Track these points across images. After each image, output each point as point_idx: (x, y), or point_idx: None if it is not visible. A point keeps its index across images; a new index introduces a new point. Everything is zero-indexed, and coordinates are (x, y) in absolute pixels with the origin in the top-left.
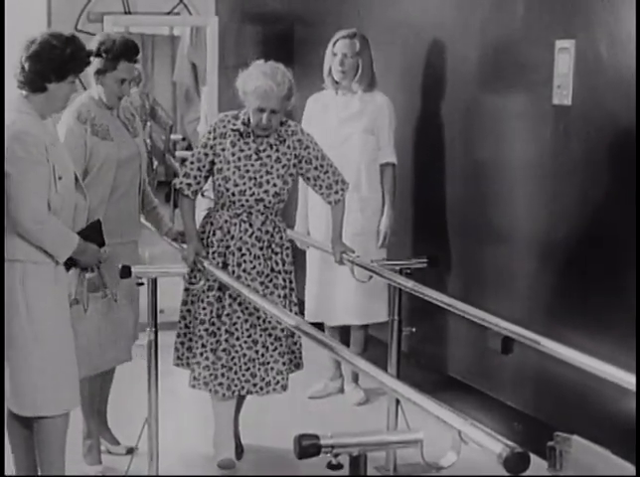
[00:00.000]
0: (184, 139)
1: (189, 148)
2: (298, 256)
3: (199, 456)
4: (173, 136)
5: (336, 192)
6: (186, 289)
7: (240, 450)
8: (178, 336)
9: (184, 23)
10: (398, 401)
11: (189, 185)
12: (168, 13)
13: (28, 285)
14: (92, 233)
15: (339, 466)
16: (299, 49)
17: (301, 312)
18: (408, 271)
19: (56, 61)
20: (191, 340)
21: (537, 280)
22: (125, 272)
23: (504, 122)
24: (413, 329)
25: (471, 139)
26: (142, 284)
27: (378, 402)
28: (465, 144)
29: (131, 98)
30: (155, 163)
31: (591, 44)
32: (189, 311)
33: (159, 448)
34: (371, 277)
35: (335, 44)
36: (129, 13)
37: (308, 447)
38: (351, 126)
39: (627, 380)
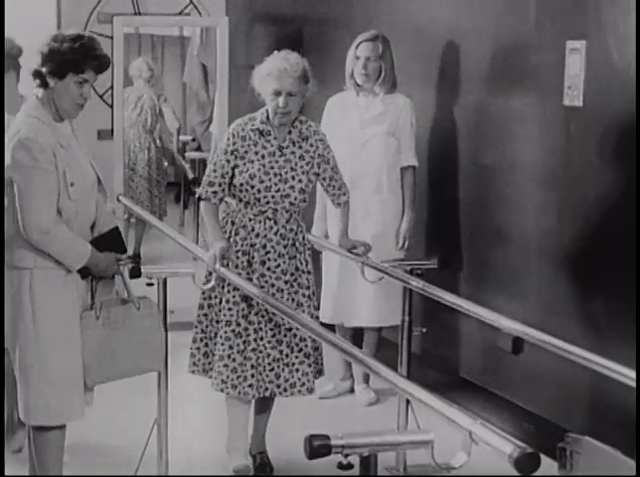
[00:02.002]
0: (194, 140)
1: (199, 149)
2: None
3: (208, 456)
4: (183, 137)
5: (344, 194)
6: (203, 292)
7: (269, 470)
8: (194, 341)
9: (194, 24)
10: (408, 402)
11: (215, 193)
12: (178, 14)
13: (36, 292)
14: (110, 240)
15: (349, 466)
16: (309, 49)
17: None
18: (419, 272)
19: (53, 55)
20: (207, 345)
21: (548, 281)
22: (135, 273)
23: (515, 124)
24: (424, 329)
25: (482, 141)
26: (152, 285)
27: (388, 403)
28: (476, 146)
29: (142, 99)
30: (165, 164)
31: (602, 45)
32: (206, 315)
33: (168, 449)
34: (381, 278)
35: (358, 47)
36: (139, 14)
37: (319, 447)
38: (373, 128)
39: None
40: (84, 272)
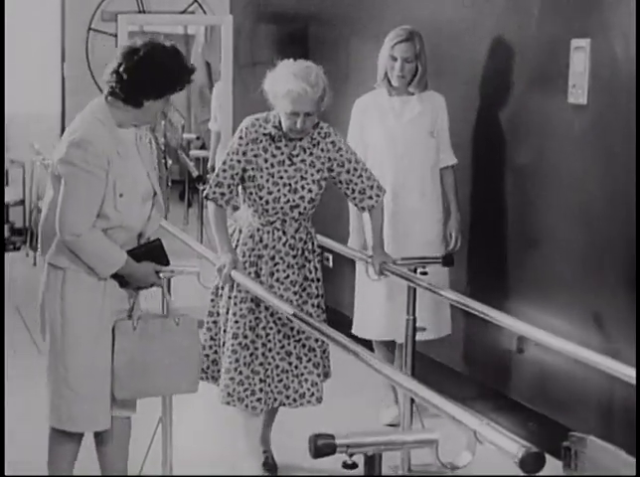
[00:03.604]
0: (198, 138)
1: (203, 147)
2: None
3: (212, 457)
4: (187, 135)
5: (370, 197)
6: (212, 300)
7: (274, 468)
8: (203, 348)
9: (198, 22)
10: (412, 401)
11: (222, 194)
12: (182, 12)
13: (67, 294)
14: (150, 252)
15: (354, 465)
16: (314, 48)
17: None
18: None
19: (157, 76)
20: (216, 352)
21: (569, 283)
22: None
23: (523, 125)
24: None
25: (487, 141)
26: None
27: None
28: (482, 146)
29: None
30: (169, 162)
31: (607, 43)
32: (215, 323)
33: (172, 449)
34: (386, 276)
35: (394, 47)
36: (143, 12)
37: (323, 446)
38: (414, 130)
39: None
40: (122, 281)
